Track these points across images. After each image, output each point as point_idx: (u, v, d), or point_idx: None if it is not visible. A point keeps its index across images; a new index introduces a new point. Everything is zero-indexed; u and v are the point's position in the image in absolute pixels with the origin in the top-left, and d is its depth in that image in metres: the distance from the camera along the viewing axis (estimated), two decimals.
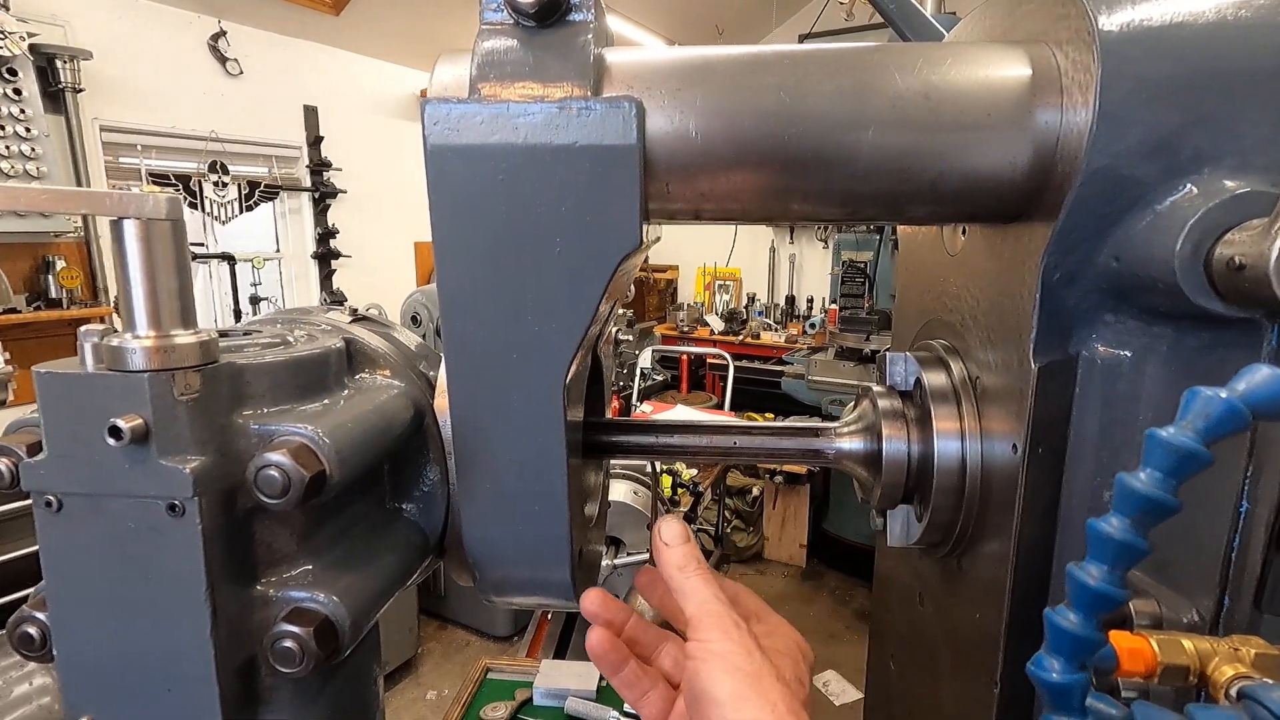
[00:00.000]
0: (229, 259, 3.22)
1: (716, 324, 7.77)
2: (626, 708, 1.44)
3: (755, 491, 6.00)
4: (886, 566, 1.03)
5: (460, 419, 0.65)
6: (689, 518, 2.32)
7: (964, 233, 0.76)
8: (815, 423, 0.84)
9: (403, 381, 0.68)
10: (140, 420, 0.46)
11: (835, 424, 0.82)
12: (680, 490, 2.42)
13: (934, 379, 0.76)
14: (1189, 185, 0.53)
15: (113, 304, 2.67)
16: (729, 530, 5.56)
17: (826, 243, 7.71)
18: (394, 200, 5.30)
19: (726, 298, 8.70)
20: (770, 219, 0.65)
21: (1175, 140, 0.52)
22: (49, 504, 0.48)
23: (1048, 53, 0.58)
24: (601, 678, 1.54)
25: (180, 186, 3.90)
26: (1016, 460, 0.63)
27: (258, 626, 0.53)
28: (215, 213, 3.95)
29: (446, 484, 0.70)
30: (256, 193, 3.95)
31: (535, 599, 0.76)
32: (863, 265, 5.48)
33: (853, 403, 0.85)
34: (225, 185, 3.93)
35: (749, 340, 7.34)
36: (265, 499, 0.50)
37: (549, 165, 0.56)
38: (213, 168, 3.88)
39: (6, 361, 2.48)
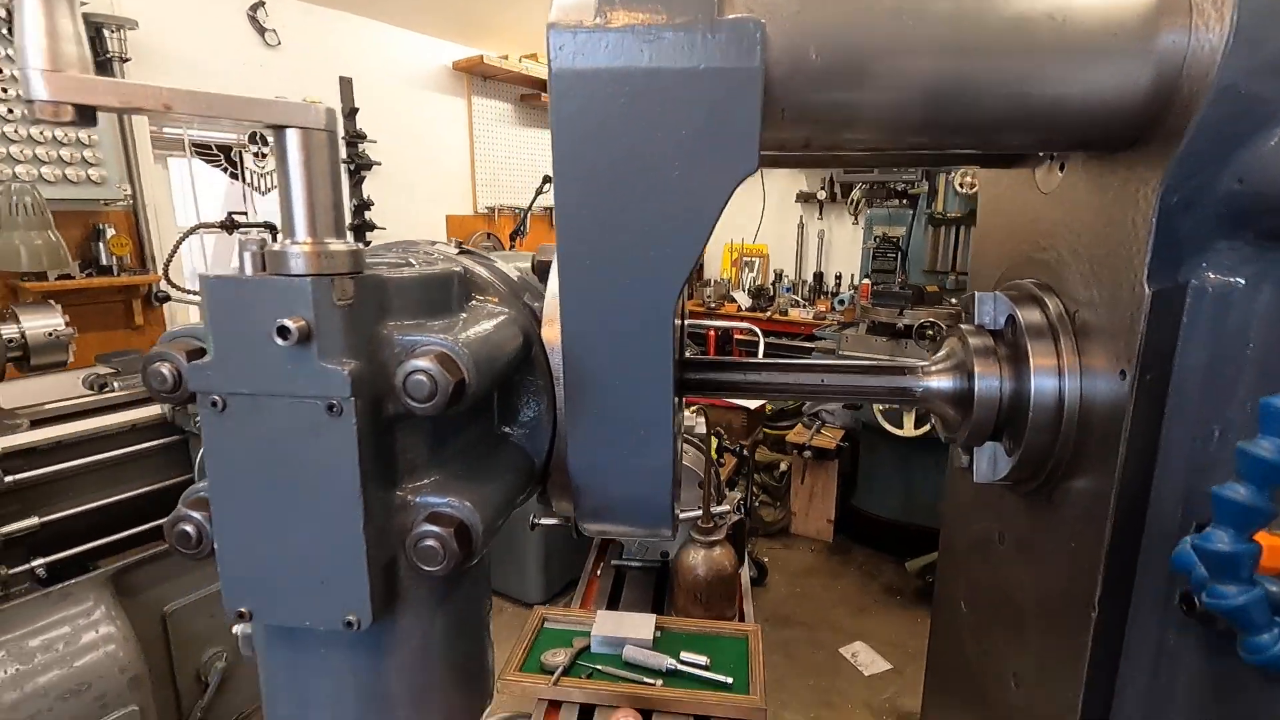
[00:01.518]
0: (271, 228, 3.27)
1: (744, 300, 7.73)
2: (683, 655, 1.47)
3: (783, 467, 6.02)
4: (957, 511, 1.04)
5: (571, 345, 0.67)
6: (731, 482, 2.34)
7: (1062, 168, 0.76)
8: (904, 362, 0.85)
9: (511, 310, 0.70)
10: (304, 322, 0.48)
11: (924, 362, 0.83)
12: (725, 454, 2.44)
13: (1029, 315, 0.76)
14: None
15: (161, 271, 2.73)
16: (756, 505, 5.59)
17: (857, 218, 7.61)
18: (426, 173, 5.33)
19: (753, 274, 8.65)
20: (880, 147, 0.66)
21: None
22: (214, 404, 0.51)
23: None
24: (659, 628, 1.57)
25: (222, 157, 3.95)
26: (1121, 390, 0.64)
27: (397, 529, 0.56)
28: (255, 183, 4.00)
29: (553, 411, 0.72)
30: None
31: (632, 527, 0.79)
32: (896, 240, 5.41)
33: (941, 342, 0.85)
34: (265, 156, 3.97)
35: (776, 317, 7.30)
36: (413, 403, 0.52)
37: (671, 89, 0.57)
38: (252, 138, 3.92)
39: (66, 324, 2.56)
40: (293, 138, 0.48)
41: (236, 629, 0.72)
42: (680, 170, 0.60)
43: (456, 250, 0.75)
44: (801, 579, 5.23)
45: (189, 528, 0.56)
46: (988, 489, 0.94)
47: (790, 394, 0.85)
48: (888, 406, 4.66)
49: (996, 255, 0.92)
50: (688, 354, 0.97)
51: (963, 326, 0.82)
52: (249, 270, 0.51)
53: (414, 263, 0.65)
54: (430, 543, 0.54)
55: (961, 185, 4.76)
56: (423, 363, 0.52)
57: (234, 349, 0.50)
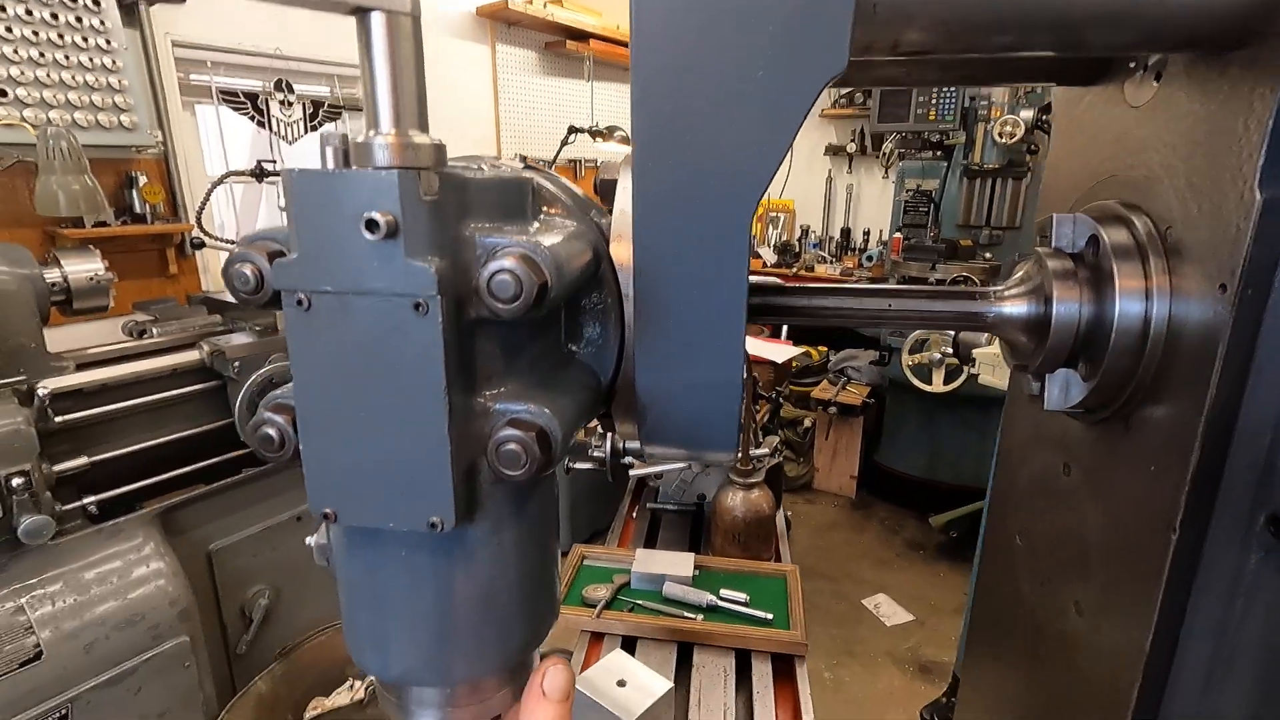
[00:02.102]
0: None
1: (769, 256, 7.64)
2: (723, 592, 1.49)
3: (807, 423, 6.02)
4: (1016, 444, 1.02)
5: (644, 258, 0.65)
6: (765, 429, 2.33)
7: (1158, 78, 0.72)
8: (975, 287, 0.82)
9: (580, 224, 0.69)
10: (391, 216, 0.47)
11: (997, 286, 0.80)
12: (760, 402, 2.44)
13: (1114, 235, 0.73)
14: None
15: (194, 219, 2.75)
16: (780, 460, 5.61)
17: (888, 172, 7.43)
18: (450, 122, 5.26)
19: (778, 230, 8.51)
20: (970, 49, 0.63)
21: None
22: (299, 303, 0.51)
23: None
24: (697, 566, 1.59)
25: (249, 104, 3.92)
26: (1218, 306, 0.62)
27: (477, 435, 0.56)
28: (282, 132, 3.98)
29: (620, 329, 0.71)
30: (321, 112, 3.95)
31: (695, 449, 0.78)
32: (929, 193, 5.28)
33: (1015, 267, 0.83)
34: (291, 104, 3.94)
35: (803, 273, 7.21)
36: (497, 304, 0.51)
37: None
38: (279, 86, 3.89)
39: (106, 269, 2.59)
40: (377, 21, 0.47)
41: (309, 540, 0.73)
42: (765, 70, 0.57)
43: (522, 165, 0.73)
44: (824, 533, 5.29)
45: (272, 431, 0.56)
46: (1051, 422, 0.92)
47: (856, 319, 0.83)
48: (917, 361, 4.61)
49: (1073, 179, 0.88)
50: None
51: (1039, 250, 0.79)
52: (330, 164, 0.50)
53: (484, 169, 0.63)
54: (512, 447, 0.54)
55: (1000, 135, 4.61)
56: (507, 263, 0.51)
57: (319, 245, 0.49)
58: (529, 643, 0.68)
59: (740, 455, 1.62)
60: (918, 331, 4.48)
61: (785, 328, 5.46)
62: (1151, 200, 0.72)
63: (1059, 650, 0.87)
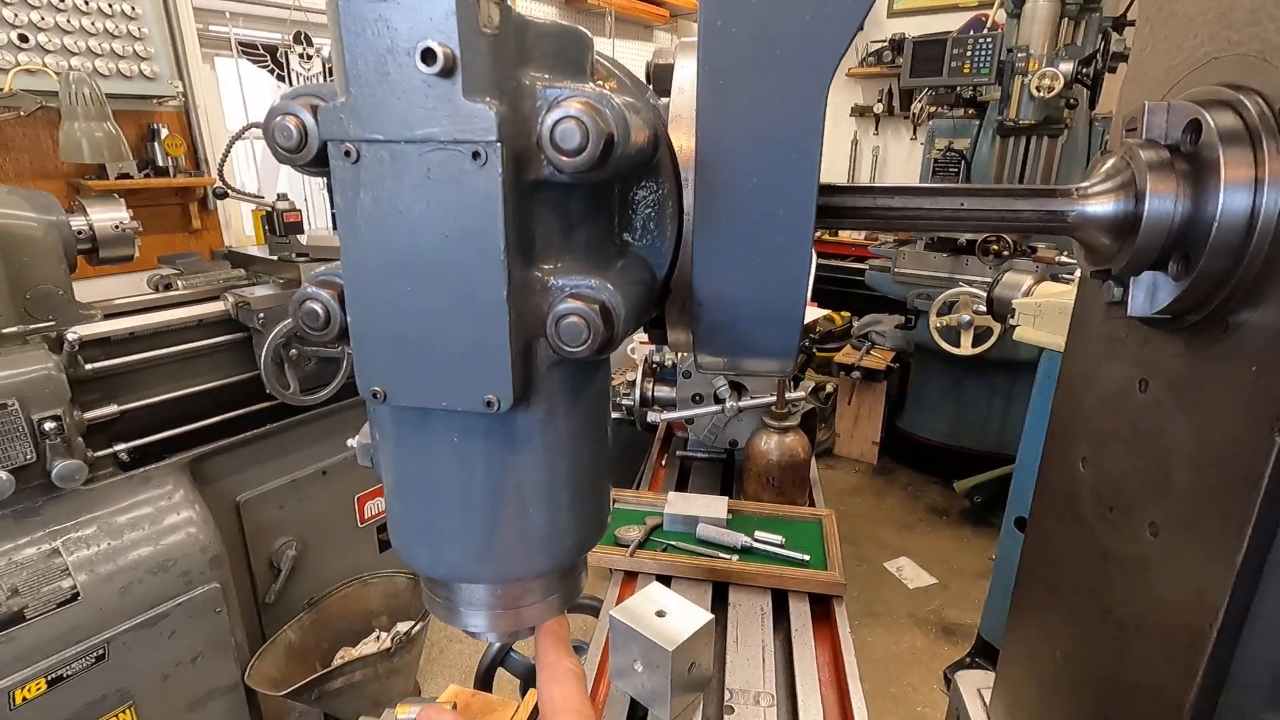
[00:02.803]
0: None
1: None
2: (757, 534, 1.46)
3: (829, 389, 5.95)
4: (1082, 367, 0.97)
5: (708, 143, 0.60)
6: (797, 379, 2.29)
7: None
8: (1054, 185, 0.76)
9: (639, 100, 0.64)
10: (450, 48, 0.43)
11: (1080, 184, 0.74)
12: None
13: (1220, 119, 0.67)
14: None
15: (216, 171, 2.72)
16: (814, 406, 5.57)
17: (916, 132, 7.22)
18: None
19: None
20: None
21: None
22: (347, 154, 0.47)
23: None
24: (730, 510, 1.56)
25: (268, 57, 3.87)
26: None
27: (534, 311, 0.52)
28: (302, 85, 3.92)
29: (678, 221, 0.66)
30: None
31: (753, 356, 0.74)
32: (961, 151, 5.12)
33: (1100, 162, 0.76)
34: (310, 58, 3.87)
35: (826, 237, 7.08)
36: (561, 156, 0.47)
37: None
38: (297, 39, 3.82)
39: (131, 218, 2.57)
40: None
41: (351, 441, 0.70)
42: None
43: None
44: (846, 498, 5.25)
45: (316, 306, 0.53)
46: (1127, 338, 0.86)
47: (926, 221, 0.78)
48: (945, 324, 4.52)
49: (1162, 70, 0.81)
50: None
51: (1128, 140, 0.73)
52: None
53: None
54: (574, 319, 0.50)
55: (1038, 89, 4.44)
56: (574, 109, 0.46)
57: (369, 85, 0.45)
58: (580, 544, 0.64)
59: (777, 398, 1.58)
60: (947, 293, 4.38)
61: (810, 286, 5.39)
62: (1265, 77, 0.65)
63: (1129, 575, 0.83)
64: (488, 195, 0.46)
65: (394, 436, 0.57)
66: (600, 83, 0.63)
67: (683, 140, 0.65)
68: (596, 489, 0.65)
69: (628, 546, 1.41)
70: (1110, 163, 0.75)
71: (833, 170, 8.09)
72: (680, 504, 1.52)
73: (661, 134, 0.65)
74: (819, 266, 6.05)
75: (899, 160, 7.79)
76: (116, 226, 2.53)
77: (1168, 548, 0.76)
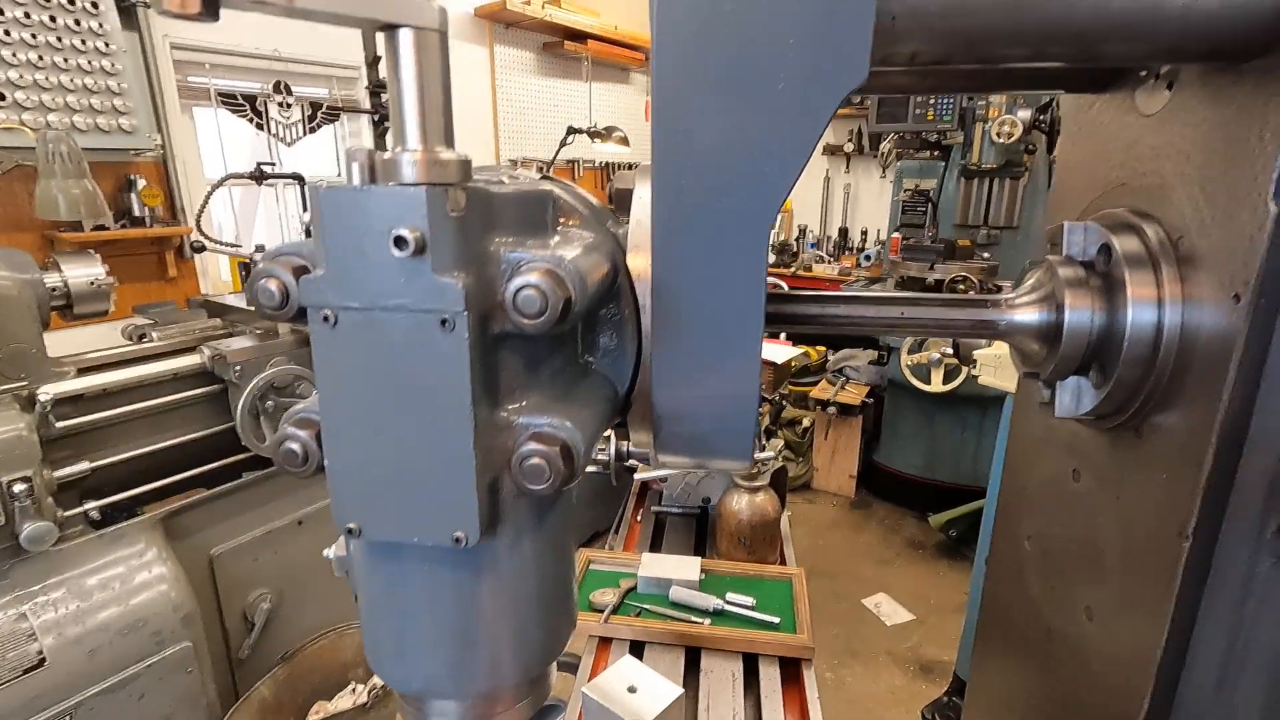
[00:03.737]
0: (299, 179, 3.25)
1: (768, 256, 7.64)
2: (729, 596, 1.50)
3: (806, 423, 6.03)
4: (1023, 450, 1.03)
5: (662, 269, 0.66)
6: (768, 432, 2.35)
7: (1170, 86, 0.72)
8: (986, 295, 0.83)
9: (598, 235, 0.69)
10: (419, 232, 0.47)
11: (1009, 294, 0.81)
12: (763, 404, 2.45)
13: (1126, 244, 0.74)
14: None
15: (194, 222, 2.74)
16: (783, 464, 5.62)
17: (885, 172, 7.44)
18: None
19: (776, 230, 8.52)
20: (985, 60, 0.63)
21: None
22: (326, 319, 0.51)
23: None
24: (703, 570, 1.60)
25: (248, 106, 3.91)
26: (1232, 316, 0.62)
27: (500, 449, 0.56)
28: (281, 134, 3.97)
29: (637, 340, 0.71)
30: (320, 114, 3.95)
31: (712, 458, 0.79)
32: (927, 192, 5.29)
33: (1024, 276, 0.83)
34: (289, 106, 3.92)
35: (801, 273, 7.22)
36: (523, 319, 0.51)
37: None
38: (277, 88, 3.88)
39: (107, 273, 2.58)
40: (405, 38, 0.47)
41: (328, 552, 0.74)
42: (786, 81, 0.57)
43: (540, 175, 0.73)
44: (824, 532, 5.30)
45: (295, 446, 0.56)
46: (1060, 428, 0.92)
47: (869, 327, 0.84)
48: (916, 362, 4.63)
49: (1082, 186, 0.88)
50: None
51: (1050, 258, 0.80)
52: (357, 180, 0.50)
53: (506, 182, 0.63)
54: (536, 461, 0.54)
55: (998, 135, 4.62)
56: (533, 278, 0.51)
57: (347, 261, 0.50)
58: (549, 653, 0.68)
59: None
60: None
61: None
62: (1164, 208, 0.72)
63: (1070, 654, 0.88)
64: (455, 357, 0.50)
65: (368, 563, 0.60)
66: (564, 221, 0.69)
67: (641, 266, 0.70)
68: (562, 598, 0.69)
69: (602, 611, 1.44)
70: (1035, 276, 0.81)
71: (806, 208, 8.29)
72: (654, 566, 1.56)
73: (620, 263, 0.70)
74: None
75: (869, 197, 8.00)
76: (91, 283, 2.53)
77: (1102, 632, 0.82)
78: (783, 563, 1.75)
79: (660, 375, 0.70)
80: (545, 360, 0.62)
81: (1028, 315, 0.79)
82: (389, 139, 0.50)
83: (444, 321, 0.50)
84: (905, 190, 5.36)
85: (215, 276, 3.90)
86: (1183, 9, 0.56)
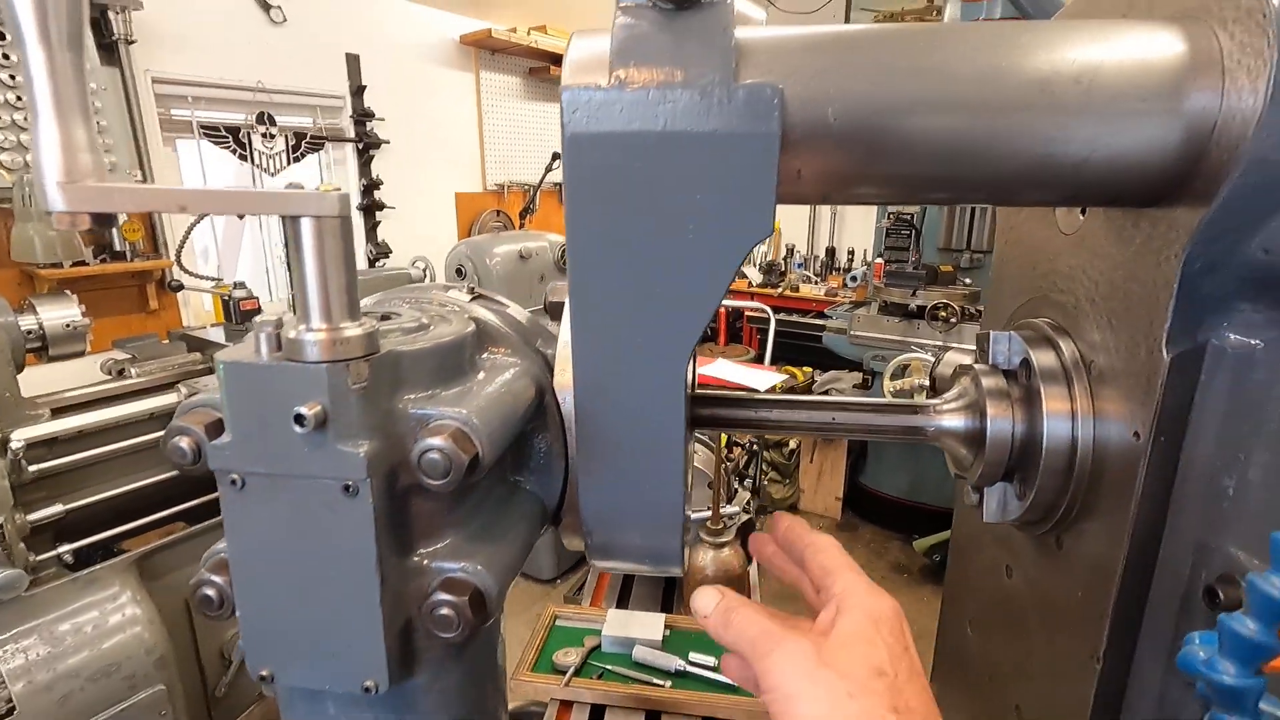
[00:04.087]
0: None
1: (755, 276, 7.68)
2: (692, 656, 1.50)
3: (792, 445, 6.04)
4: (967, 534, 1.05)
5: (584, 398, 0.67)
6: (741, 475, 2.36)
7: (1083, 212, 0.74)
8: (914, 400, 0.85)
9: (524, 360, 0.70)
10: (320, 407, 0.49)
11: (935, 401, 0.82)
12: (735, 447, 2.46)
13: (1043, 359, 0.76)
14: None
15: (174, 257, 2.75)
16: (765, 482, 5.63)
17: None
18: (435, 151, 5.28)
19: (764, 249, 8.57)
20: (903, 202, 0.65)
21: None
22: (233, 482, 0.52)
23: (1207, 31, 0.55)
24: (668, 626, 1.60)
25: (230, 138, 3.93)
26: (1135, 446, 0.64)
27: (413, 594, 0.57)
28: (264, 165, 3.98)
29: (564, 457, 0.73)
30: (303, 144, 3.97)
31: (643, 565, 0.80)
32: (910, 218, 5.33)
33: (954, 381, 0.85)
34: (273, 136, 3.95)
35: (788, 293, 7.25)
36: (428, 481, 0.53)
37: (687, 153, 0.56)
38: (260, 119, 3.90)
39: (83, 314, 2.58)
40: (307, 226, 0.48)
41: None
42: (694, 234, 0.59)
43: (470, 297, 0.75)
44: None
45: (211, 591, 0.57)
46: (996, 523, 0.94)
47: (801, 431, 0.85)
48: (899, 387, 4.65)
49: (1014, 288, 0.90)
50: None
51: (976, 366, 0.82)
52: (264, 351, 0.51)
53: (428, 322, 0.65)
54: (445, 611, 0.55)
55: None
56: (437, 440, 0.52)
57: (251, 431, 0.51)
58: None
59: (711, 514, 1.64)
60: (899, 358, 4.52)
61: (769, 352, 5.50)
62: (1078, 328, 0.74)
63: None
64: (359, 521, 0.52)
65: (287, 705, 0.61)
66: (491, 349, 0.70)
67: (568, 384, 0.71)
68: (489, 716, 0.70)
69: (565, 673, 1.45)
70: (963, 383, 0.83)
71: (793, 229, 8.34)
72: (618, 624, 1.56)
73: (546, 384, 0.72)
74: (779, 323, 6.19)
75: (856, 216, 8.06)
76: (67, 325, 2.53)
77: None
78: None
79: (586, 491, 0.72)
80: (466, 497, 0.63)
81: (954, 422, 0.80)
82: (295, 312, 0.51)
83: (347, 488, 0.51)
84: (889, 215, 5.40)
85: (198, 307, 3.91)
86: (1075, 165, 0.58)
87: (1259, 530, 0.62)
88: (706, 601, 0.59)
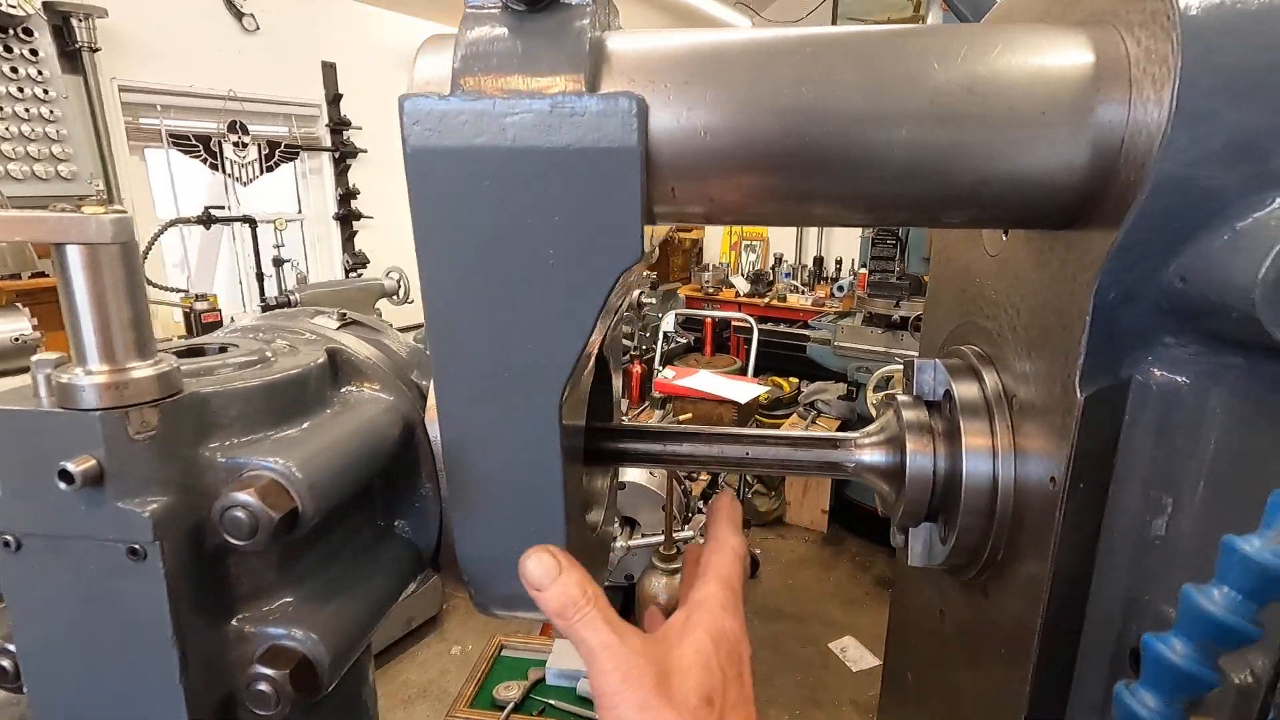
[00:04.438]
0: (250, 221, 3.20)
1: (742, 285, 7.64)
2: None
3: None
4: (905, 576, 0.98)
5: (451, 439, 0.61)
6: (705, 495, 2.30)
7: (1006, 233, 0.69)
8: (834, 433, 0.79)
9: (391, 394, 0.64)
10: (93, 462, 0.43)
11: (856, 434, 0.76)
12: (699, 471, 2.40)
13: (965, 390, 0.70)
14: (1278, 200, 0.45)
15: None
16: (750, 495, 5.56)
17: None
18: None
19: (753, 258, 8.53)
20: (789, 223, 0.59)
21: (1264, 145, 0.45)
22: (7, 544, 0.46)
23: (1115, 37, 0.50)
24: None
25: (201, 147, 3.87)
26: (1050, 497, 0.58)
27: (235, 663, 0.51)
28: (236, 174, 3.92)
29: (440, 499, 0.67)
30: (277, 153, 3.91)
31: (531, 612, 0.73)
32: (895, 228, 5.30)
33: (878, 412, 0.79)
34: (245, 146, 3.88)
35: (775, 302, 7.21)
36: (232, 541, 0.46)
37: (541, 170, 0.51)
38: (232, 128, 3.84)
39: (34, 328, 2.51)
40: (74, 255, 0.42)
41: None
42: (555, 260, 0.53)
43: (338, 325, 0.68)
44: (794, 570, 5.22)
45: (5, 662, 0.51)
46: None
47: (714, 467, 0.79)
48: (882, 397, 4.60)
49: (947, 311, 0.85)
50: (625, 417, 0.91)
51: (899, 397, 0.76)
52: (44, 395, 0.45)
53: (271, 355, 0.59)
54: (262, 687, 0.49)
55: None
56: (241, 495, 0.46)
57: (24, 487, 0.45)
58: None
59: (664, 538, 1.57)
60: (882, 369, 4.47)
61: (752, 363, 5.46)
62: (1002, 357, 0.69)
63: None
64: (150, 588, 0.45)
65: None
66: (353, 384, 0.64)
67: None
68: None
69: (504, 708, 1.38)
70: (885, 415, 0.77)
71: (780, 235, 8.31)
72: (564, 657, 1.49)
73: (417, 420, 0.65)
74: (763, 333, 6.14)
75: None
76: (15, 339, 2.46)
77: None
78: None
79: (461, 536, 0.65)
80: (307, 551, 0.57)
81: (874, 456, 0.74)
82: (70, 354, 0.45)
83: (134, 551, 0.44)
84: (872, 229, 5.36)
85: (167, 318, 3.83)
86: (974, 184, 0.52)
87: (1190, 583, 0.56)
88: (539, 571, 0.53)
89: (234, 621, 0.51)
